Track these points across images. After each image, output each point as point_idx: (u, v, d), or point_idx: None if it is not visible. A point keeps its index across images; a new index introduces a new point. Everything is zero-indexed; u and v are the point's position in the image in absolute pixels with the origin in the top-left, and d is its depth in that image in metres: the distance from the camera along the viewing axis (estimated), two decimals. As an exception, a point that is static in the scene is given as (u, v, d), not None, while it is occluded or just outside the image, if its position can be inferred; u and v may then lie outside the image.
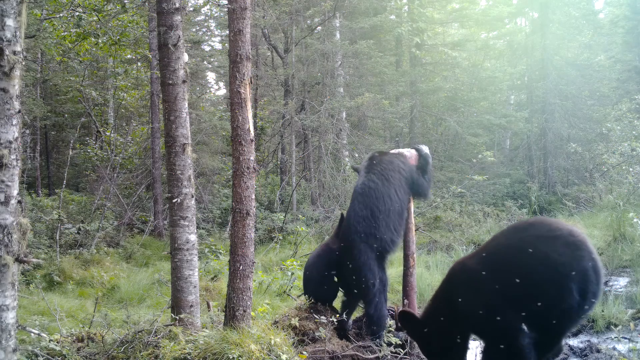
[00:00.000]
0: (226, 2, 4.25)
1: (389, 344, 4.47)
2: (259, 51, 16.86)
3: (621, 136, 14.06)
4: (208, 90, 20.00)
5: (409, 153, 5.24)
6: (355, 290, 4.69)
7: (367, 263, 4.59)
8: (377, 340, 4.63)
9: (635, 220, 9.26)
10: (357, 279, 4.59)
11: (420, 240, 10.94)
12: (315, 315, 4.76)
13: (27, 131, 15.87)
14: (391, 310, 5.01)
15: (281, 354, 3.84)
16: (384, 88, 17.17)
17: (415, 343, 4.76)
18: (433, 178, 5.59)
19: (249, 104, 4.22)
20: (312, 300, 4.93)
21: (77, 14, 8.96)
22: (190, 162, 4.52)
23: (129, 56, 12.93)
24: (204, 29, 18.58)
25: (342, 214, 5.22)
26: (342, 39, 15.22)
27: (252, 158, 4.19)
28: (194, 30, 17.47)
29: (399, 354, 4.50)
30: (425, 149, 5.38)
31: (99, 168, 13.23)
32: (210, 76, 20.35)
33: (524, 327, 3.42)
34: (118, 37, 9.19)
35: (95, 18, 8.98)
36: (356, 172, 5.33)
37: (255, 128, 11.34)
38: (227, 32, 4.49)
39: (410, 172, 5.02)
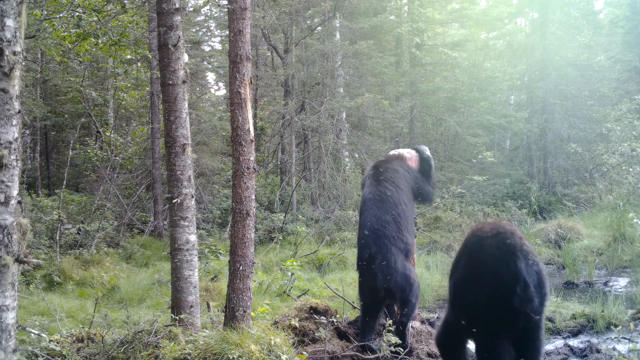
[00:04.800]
0: (226, 2, 4.26)
1: (389, 344, 4.46)
2: (259, 51, 16.85)
3: (621, 136, 14.07)
4: (208, 91, 19.96)
5: (409, 154, 5.23)
6: (391, 295, 4.61)
7: (404, 265, 4.59)
8: (377, 340, 4.63)
9: (635, 220, 9.28)
10: (395, 282, 4.52)
11: (420, 241, 10.93)
12: (315, 316, 4.76)
13: (27, 131, 15.85)
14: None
15: (281, 354, 3.84)
16: (384, 88, 17.15)
17: (415, 344, 4.77)
18: (435, 181, 5.58)
19: (249, 105, 4.22)
20: None
21: (77, 14, 8.95)
22: (190, 163, 4.52)
23: (128, 56, 12.91)
24: (204, 29, 18.55)
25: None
26: (342, 39, 15.21)
27: (252, 158, 4.19)
28: (194, 30, 17.43)
29: (399, 354, 4.50)
30: (425, 150, 5.36)
31: (99, 168, 13.20)
32: (210, 76, 20.34)
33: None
34: (118, 38, 9.19)
35: (95, 18, 8.98)
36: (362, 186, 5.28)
37: (255, 128, 11.32)
38: (227, 32, 4.49)
39: (415, 178, 5.05)
